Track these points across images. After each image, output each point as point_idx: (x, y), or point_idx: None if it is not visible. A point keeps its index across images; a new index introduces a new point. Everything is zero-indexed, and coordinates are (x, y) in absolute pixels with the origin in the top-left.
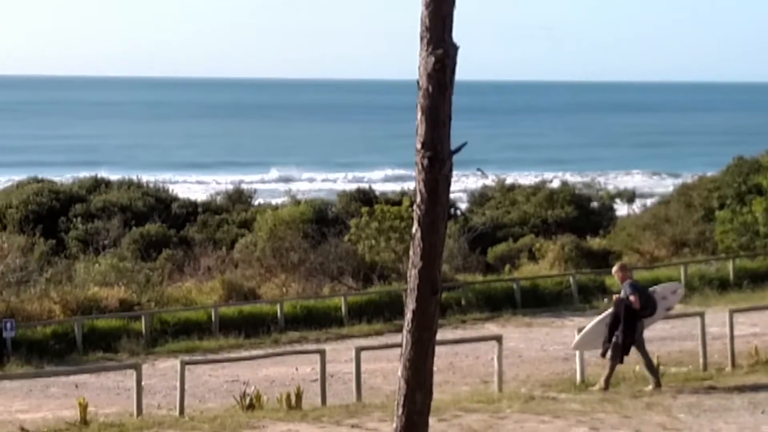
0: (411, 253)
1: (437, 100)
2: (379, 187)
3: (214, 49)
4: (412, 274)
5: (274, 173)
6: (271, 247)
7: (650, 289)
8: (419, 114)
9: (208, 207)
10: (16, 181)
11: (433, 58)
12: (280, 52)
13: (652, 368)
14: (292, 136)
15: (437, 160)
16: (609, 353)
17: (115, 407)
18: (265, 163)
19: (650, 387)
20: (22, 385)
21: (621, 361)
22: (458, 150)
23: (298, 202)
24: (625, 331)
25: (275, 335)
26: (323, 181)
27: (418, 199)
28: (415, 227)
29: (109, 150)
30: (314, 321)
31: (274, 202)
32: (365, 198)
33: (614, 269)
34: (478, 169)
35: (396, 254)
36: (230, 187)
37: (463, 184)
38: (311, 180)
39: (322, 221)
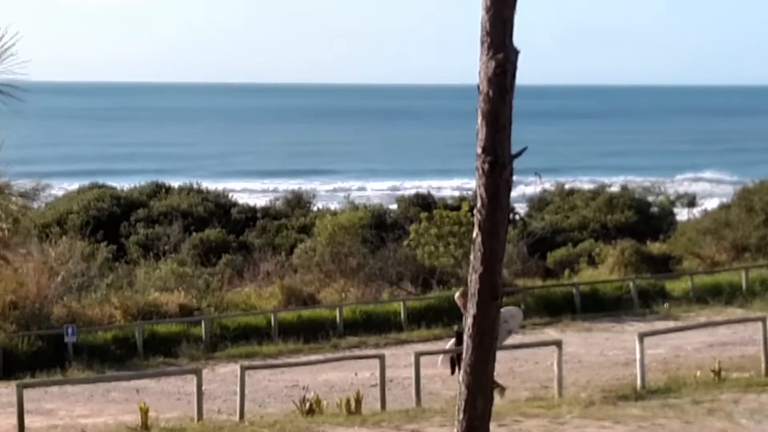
0: (471, 257)
1: (498, 104)
2: (437, 192)
3: (273, 55)
4: (473, 279)
5: (333, 178)
6: (330, 252)
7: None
8: (479, 118)
9: (268, 212)
10: (77, 187)
11: (493, 63)
12: (338, 57)
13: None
14: (352, 141)
15: (498, 165)
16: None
17: (175, 412)
18: (325, 169)
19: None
20: (83, 389)
21: (453, 373)
22: (519, 154)
23: (356, 208)
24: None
25: (334, 340)
26: (382, 186)
27: (479, 204)
28: (475, 232)
29: (171, 156)
30: (373, 326)
31: (333, 207)
32: (424, 203)
33: (456, 295)
34: (536, 173)
35: (455, 259)
36: (289, 192)
37: (521, 189)
38: (370, 185)
39: (380, 226)
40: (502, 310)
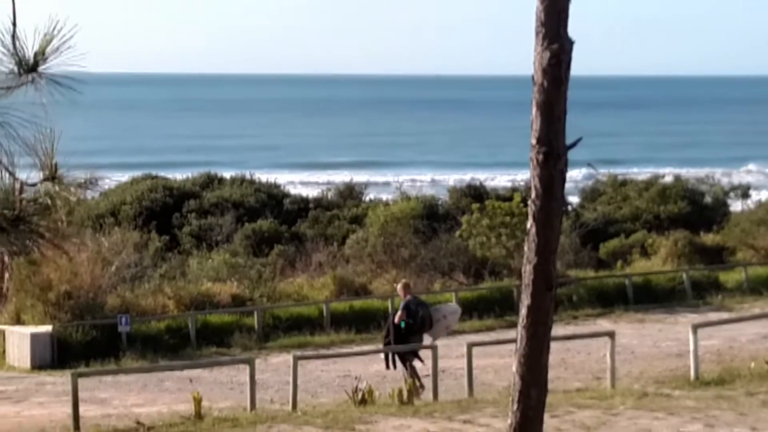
0: (526, 248)
1: (552, 95)
2: (489, 183)
3: (331, 46)
4: (527, 270)
5: (386, 169)
6: (383, 243)
7: (434, 307)
8: (534, 109)
9: (320, 203)
10: (131, 178)
11: (548, 53)
12: (394, 48)
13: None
14: (406, 132)
15: (552, 156)
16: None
17: (228, 402)
18: (378, 160)
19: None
20: (137, 379)
21: (388, 367)
22: (573, 145)
23: (408, 198)
24: (394, 342)
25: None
26: (435, 176)
27: (533, 195)
28: (530, 223)
29: (225, 147)
30: None
31: (385, 197)
32: (476, 194)
33: (398, 287)
34: (589, 164)
35: (507, 250)
36: (341, 183)
37: (574, 180)
38: (422, 175)
39: (432, 217)
40: (442, 306)
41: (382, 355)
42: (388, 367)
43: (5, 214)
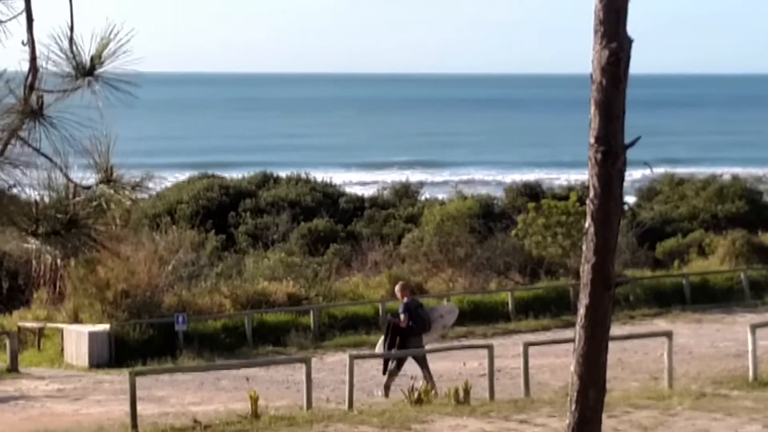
0: (584, 248)
1: (611, 93)
2: (545, 182)
3: (386, 44)
4: (585, 269)
5: (441, 168)
6: (438, 242)
7: (431, 308)
8: (592, 108)
9: (375, 202)
10: (187, 177)
11: (607, 52)
12: (449, 47)
13: (388, 388)
14: (461, 130)
15: (611, 155)
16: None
17: (284, 400)
18: (434, 159)
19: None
20: (194, 377)
21: (385, 372)
22: (632, 144)
23: (464, 197)
24: (390, 346)
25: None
26: (491, 175)
27: (591, 194)
28: (588, 222)
29: (282, 147)
30: (481, 316)
31: (440, 196)
32: (532, 193)
33: (396, 288)
34: (646, 164)
35: (563, 249)
36: (397, 182)
37: (632, 179)
38: (478, 174)
39: (488, 216)
40: (439, 306)
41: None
42: (385, 373)
43: (59, 217)
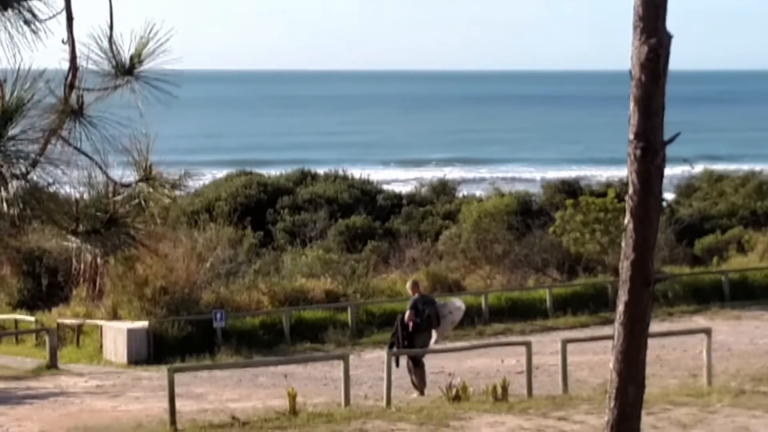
0: (623, 244)
1: (650, 89)
2: (583, 179)
3: (424, 41)
4: (625, 266)
5: (480, 165)
6: (476, 239)
7: (440, 303)
8: (632, 104)
9: (413, 199)
10: (225, 174)
11: (646, 48)
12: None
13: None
14: (498, 127)
15: (650, 151)
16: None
17: (322, 397)
18: (472, 156)
19: (415, 395)
20: (232, 374)
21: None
22: (672, 140)
23: (502, 194)
24: (398, 341)
25: (480, 327)
26: (528, 172)
27: (630, 190)
28: (627, 218)
29: (321, 144)
30: (519, 313)
31: (478, 193)
32: (570, 189)
33: (408, 285)
34: (685, 160)
35: (601, 246)
36: (435, 179)
37: (670, 176)
38: (516, 171)
39: (526, 213)
40: (448, 302)
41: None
42: (398, 364)
43: (99, 216)
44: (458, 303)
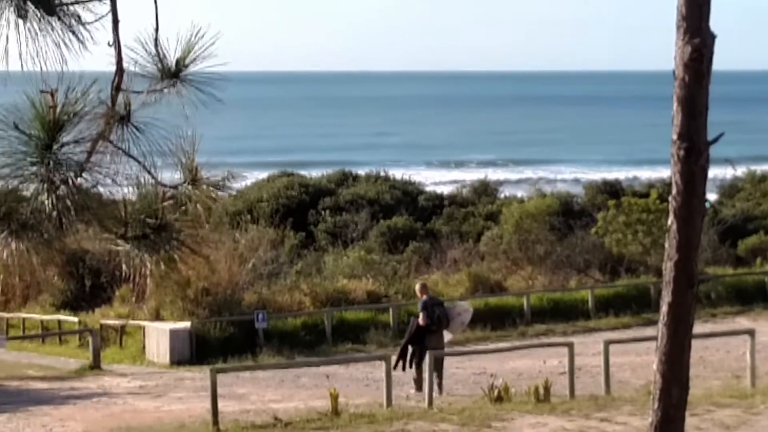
0: (666, 245)
1: (694, 90)
2: (625, 179)
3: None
4: (668, 267)
5: (522, 166)
6: (518, 240)
7: (449, 305)
8: (675, 105)
9: (454, 200)
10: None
11: (689, 48)
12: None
13: (419, 382)
14: (541, 128)
15: (694, 151)
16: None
17: (364, 398)
18: (514, 156)
19: (412, 391)
20: (274, 375)
21: (398, 368)
22: (715, 141)
23: (544, 195)
24: (410, 342)
25: (522, 328)
26: (570, 173)
27: (674, 191)
28: (670, 219)
29: (361, 145)
30: (561, 314)
31: (520, 194)
32: (612, 190)
33: (417, 287)
34: (728, 161)
35: (643, 247)
36: (476, 180)
37: (712, 175)
38: (558, 171)
39: (568, 214)
40: (457, 304)
41: (394, 358)
42: (399, 367)
43: (149, 222)
44: (465, 305)
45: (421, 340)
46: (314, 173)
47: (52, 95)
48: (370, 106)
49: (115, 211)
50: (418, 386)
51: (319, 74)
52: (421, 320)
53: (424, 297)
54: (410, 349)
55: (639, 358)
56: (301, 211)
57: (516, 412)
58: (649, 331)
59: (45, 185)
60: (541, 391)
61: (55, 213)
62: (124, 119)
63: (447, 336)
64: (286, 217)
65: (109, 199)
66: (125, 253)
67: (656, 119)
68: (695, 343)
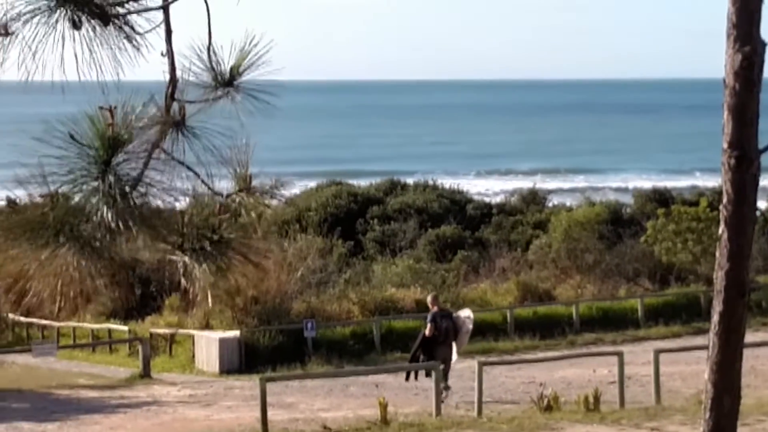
0: (717, 254)
1: (744, 98)
2: (675, 188)
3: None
4: (719, 276)
5: (571, 174)
6: (566, 249)
7: (455, 314)
8: (725, 113)
9: (503, 208)
10: (316, 185)
11: (740, 56)
12: (580, 52)
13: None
14: (589, 137)
15: (745, 160)
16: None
17: (413, 407)
18: (563, 165)
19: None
20: (323, 384)
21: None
22: (767, 149)
23: (593, 203)
24: (420, 352)
25: (571, 337)
26: (619, 181)
27: (725, 200)
28: (721, 228)
29: (411, 154)
30: (610, 323)
31: (568, 203)
32: (661, 198)
33: (428, 299)
34: None
35: (693, 256)
36: (525, 188)
37: (762, 184)
38: (607, 180)
39: (617, 222)
40: (462, 312)
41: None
42: (407, 379)
43: (209, 237)
44: (467, 312)
45: (430, 351)
46: (362, 182)
47: (111, 112)
48: (420, 116)
49: (172, 222)
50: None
51: (372, 83)
52: (427, 331)
53: (434, 309)
54: (420, 359)
55: (689, 368)
56: (350, 220)
57: (566, 422)
58: (699, 340)
59: (105, 200)
60: (591, 400)
61: (114, 226)
62: (179, 125)
63: (455, 356)
64: (335, 226)
65: (165, 209)
66: (183, 264)
67: (707, 127)
68: (746, 352)
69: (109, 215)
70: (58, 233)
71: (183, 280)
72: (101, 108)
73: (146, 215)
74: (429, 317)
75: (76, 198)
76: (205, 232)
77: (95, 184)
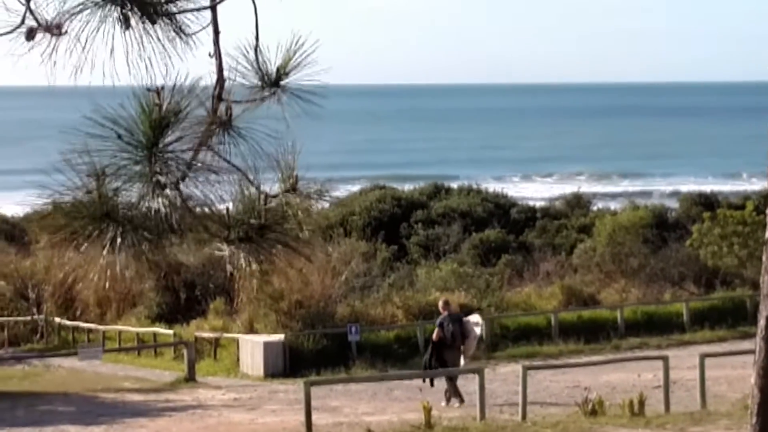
0: (764, 258)
1: None
2: (720, 191)
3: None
4: (765, 280)
5: (616, 178)
6: (611, 253)
7: (465, 319)
8: None
9: (547, 212)
10: (359, 189)
11: None
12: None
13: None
14: (633, 141)
15: None
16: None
17: (457, 411)
18: (607, 169)
19: (457, 404)
20: (367, 387)
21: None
22: None
23: (637, 207)
24: (431, 358)
25: (615, 341)
26: (665, 184)
27: None
28: (767, 232)
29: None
30: (655, 327)
31: (613, 207)
32: (707, 202)
33: (440, 303)
34: None
35: (739, 260)
36: (569, 192)
37: None
38: (651, 184)
39: (662, 226)
40: (472, 317)
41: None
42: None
43: (252, 223)
44: (476, 318)
45: (441, 356)
46: (407, 186)
47: (158, 93)
48: (466, 119)
49: (216, 216)
50: (448, 398)
51: (418, 87)
52: (434, 336)
53: (445, 313)
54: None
55: (735, 372)
56: (394, 224)
57: (610, 426)
58: (745, 345)
59: (151, 186)
60: (636, 404)
61: (163, 214)
62: (225, 125)
63: (463, 360)
64: (378, 230)
65: (210, 205)
66: (230, 255)
67: (752, 131)
68: None
69: (156, 202)
70: (104, 227)
71: (228, 266)
72: (148, 89)
73: (192, 207)
74: (437, 321)
75: (118, 183)
76: (250, 219)
77: (138, 168)
